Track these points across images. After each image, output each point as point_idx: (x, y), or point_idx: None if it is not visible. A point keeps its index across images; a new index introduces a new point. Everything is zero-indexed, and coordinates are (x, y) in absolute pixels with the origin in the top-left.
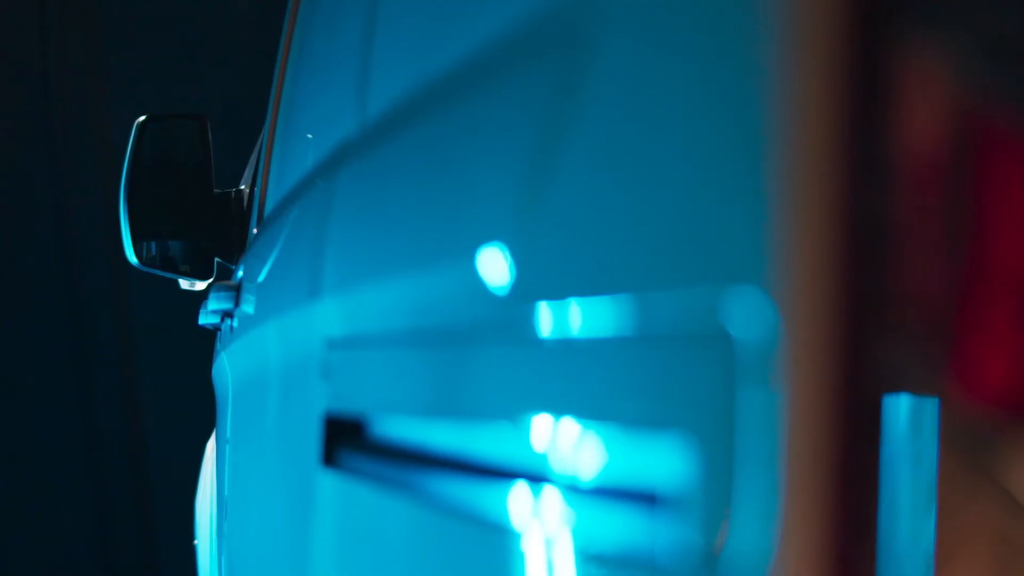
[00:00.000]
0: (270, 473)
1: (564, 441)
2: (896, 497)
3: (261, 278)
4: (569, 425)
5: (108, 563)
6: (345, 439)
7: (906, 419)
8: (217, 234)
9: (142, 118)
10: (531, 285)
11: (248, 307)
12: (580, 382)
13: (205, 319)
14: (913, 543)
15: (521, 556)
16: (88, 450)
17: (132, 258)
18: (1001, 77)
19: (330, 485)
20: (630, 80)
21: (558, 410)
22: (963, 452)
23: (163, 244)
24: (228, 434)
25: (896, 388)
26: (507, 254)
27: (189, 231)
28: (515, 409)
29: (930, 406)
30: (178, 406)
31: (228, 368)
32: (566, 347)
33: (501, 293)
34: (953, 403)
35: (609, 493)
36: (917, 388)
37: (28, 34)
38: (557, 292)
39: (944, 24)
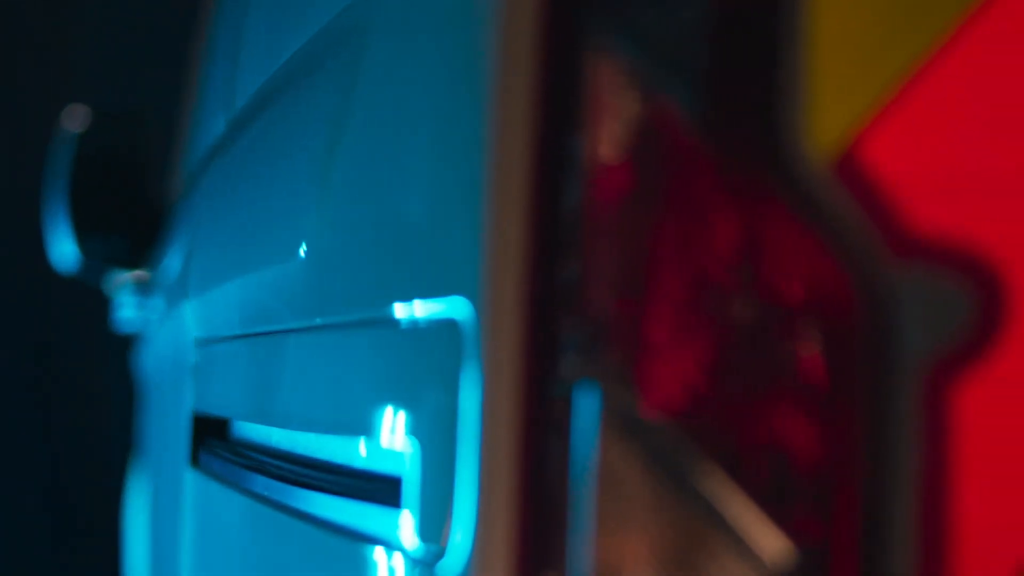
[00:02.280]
0: (158, 473)
1: (341, 429)
2: (574, 487)
3: (161, 277)
4: (353, 413)
5: (65, 562)
6: (204, 439)
7: (577, 412)
8: (153, 231)
9: (80, 116)
10: (313, 285)
11: (153, 306)
12: (353, 373)
13: (119, 317)
14: (579, 530)
15: (311, 544)
16: (45, 446)
17: (67, 259)
18: (679, 82)
19: (193, 485)
20: (377, 86)
21: (340, 400)
22: (635, 446)
23: (98, 244)
24: (141, 433)
25: (583, 383)
26: (303, 254)
27: (122, 228)
28: (308, 399)
29: (593, 400)
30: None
31: (141, 366)
32: (340, 341)
33: (299, 293)
34: (631, 400)
35: (381, 481)
36: (604, 384)
37: None
38: (332, 293)
39: (630, 32)
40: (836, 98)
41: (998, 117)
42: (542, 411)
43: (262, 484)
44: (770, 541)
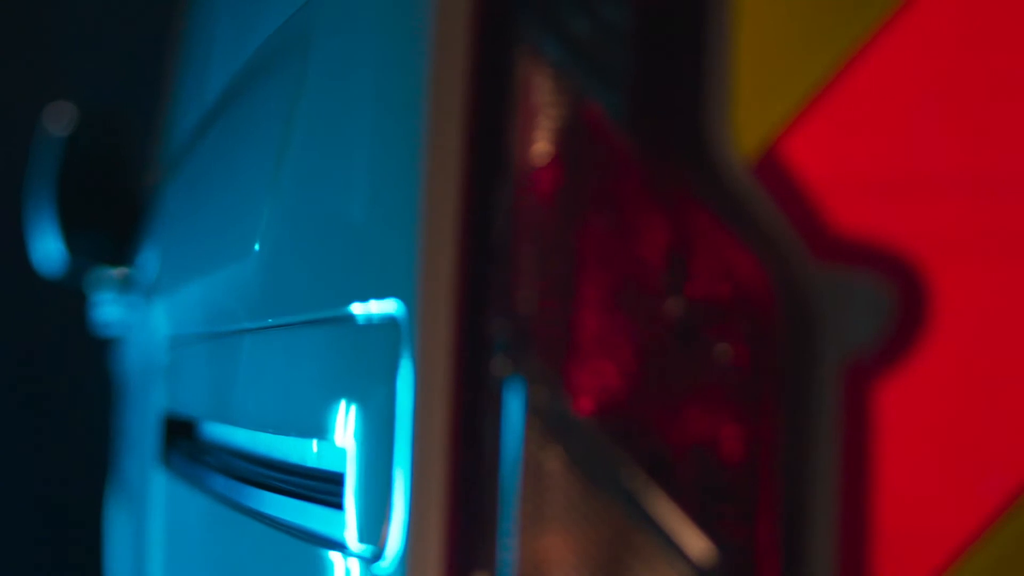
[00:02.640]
0: (133, 474)
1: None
2: (503, 487)
3: (139, 275)
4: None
5: (53, 563)
6: (174, 439)
7: (505, 413)
8: (135, 228)
9: (63, 115)
10: (264, 285)
11: (132, 304)
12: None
13: (99, 316)
14: (508, 530)
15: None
16: (34, 448)
17: (51, 259)
18: (606, 85)
19: (162, 485)
20: (321, 91)
21: (288, 399)
22: (562, 446)
23: (82, 242)
24: (119, 433)
25: (512, 383)
26: (255, 255)
27: (106, 225)
28: (261, 399)
29: (520, 400)
30: None
31: (119, 365)
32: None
33: (252, 293)
34: (558, 399)
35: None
36: (531, 384)
37: None
38: (281, 294)
39: (560, 35)
40: (759, 100)
41: (916, 118)
42: (472, 412)
43: (222, 484)
44: (694, 541)
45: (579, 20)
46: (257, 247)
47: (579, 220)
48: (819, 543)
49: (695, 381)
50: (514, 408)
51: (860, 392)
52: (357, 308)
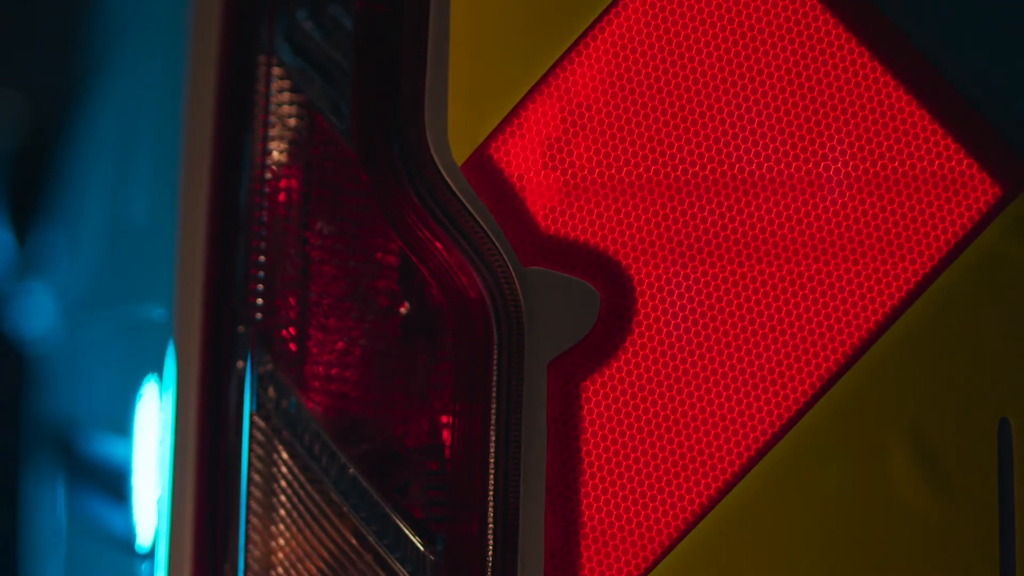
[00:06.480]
0: (31, 479)
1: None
2: (237, 486)
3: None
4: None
5: None
6: (53, 441)
7: (241, 414)
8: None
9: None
10: (73, 286)
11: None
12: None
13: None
14: (240, 513)
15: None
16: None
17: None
18: (334, 93)
19: (31, 484)
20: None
21: (92, 402)
22: (288, 446)
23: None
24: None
25: (247, 385)
26: (71, 256)
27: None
28: (78, 401)
29: (252, 397)
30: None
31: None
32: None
33: (71, 293)
34: (285, 396)
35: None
36: (263, 381)
37: None
38: (80, 295)
39: (293, 52)
40: (473, 108)
41: (616, 127)
42: (217, 413)
43: (56, 486)
44: (413, 537)
45: (314, 34)
46: (77, 249)
47: (309, 227)
48: (530, 538)
49: (415, 382)
50: (249, 409)
51: (566, 389)
52: (131, 311)
